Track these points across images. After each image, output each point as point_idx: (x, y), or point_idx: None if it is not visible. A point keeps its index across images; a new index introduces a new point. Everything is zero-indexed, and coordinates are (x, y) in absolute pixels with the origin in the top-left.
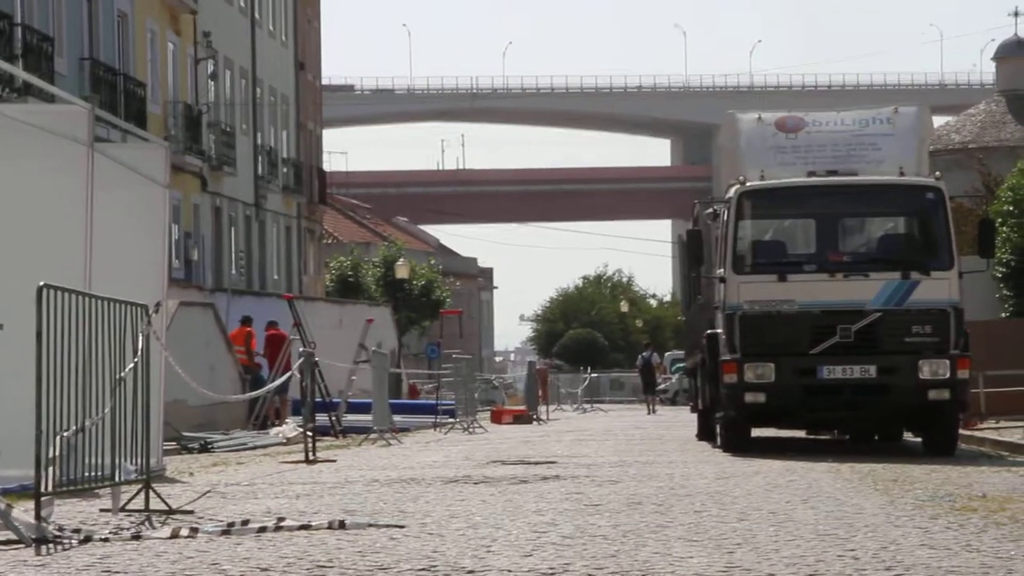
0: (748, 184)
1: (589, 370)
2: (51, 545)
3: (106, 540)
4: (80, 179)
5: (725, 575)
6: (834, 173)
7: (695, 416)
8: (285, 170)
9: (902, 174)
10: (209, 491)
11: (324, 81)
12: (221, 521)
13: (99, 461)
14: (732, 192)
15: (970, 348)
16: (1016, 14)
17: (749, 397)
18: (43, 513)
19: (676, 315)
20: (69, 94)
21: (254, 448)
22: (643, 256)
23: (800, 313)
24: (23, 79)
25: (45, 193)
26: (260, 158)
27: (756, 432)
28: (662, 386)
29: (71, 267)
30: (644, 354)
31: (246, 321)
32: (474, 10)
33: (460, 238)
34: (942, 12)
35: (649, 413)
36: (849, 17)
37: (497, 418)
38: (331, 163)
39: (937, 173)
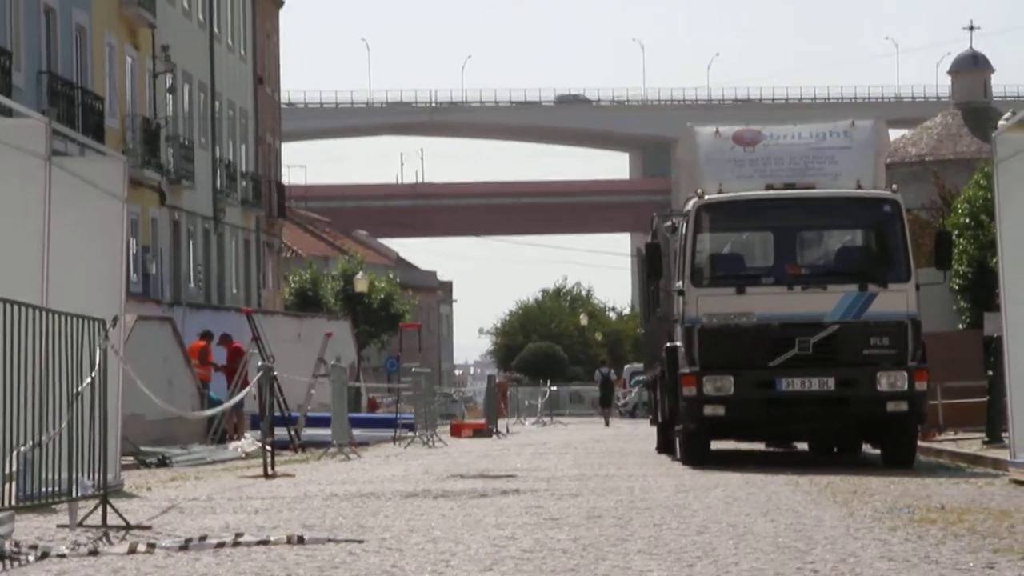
0: (706, 197)
1: (549, 383)
2: (8, 561)
3: (63, 556)
4: (37, 193)
5: None
6: (791, 186)
7: (655, 429)
8: (244, 184)
9: (859, 187)
10: (178, 507)
11: (283, 96)
12: (179, 536)
13: (56, 476)
14: (690, 205)
15: (928, 360)
16: (971, 28)
17: (708, 410)
18: (2, 531)
19: (635, 328)
20: (27, 108)
21: (212, 463)
22: (602, 269)
23: (759, 326)
24: None
25: (2, 207)
26: (219, 172)
27: (716, 445)
28: (623, 401)
29: (28, 281)
30: (602, 369)
31: (205, 335)
32: (433, 24)
33: (419, 251)
34: (898, 26)
35: (606, 425)
36: (805, 31)
37: (457, 432)
38: (290, 177)
39: (894, 186)
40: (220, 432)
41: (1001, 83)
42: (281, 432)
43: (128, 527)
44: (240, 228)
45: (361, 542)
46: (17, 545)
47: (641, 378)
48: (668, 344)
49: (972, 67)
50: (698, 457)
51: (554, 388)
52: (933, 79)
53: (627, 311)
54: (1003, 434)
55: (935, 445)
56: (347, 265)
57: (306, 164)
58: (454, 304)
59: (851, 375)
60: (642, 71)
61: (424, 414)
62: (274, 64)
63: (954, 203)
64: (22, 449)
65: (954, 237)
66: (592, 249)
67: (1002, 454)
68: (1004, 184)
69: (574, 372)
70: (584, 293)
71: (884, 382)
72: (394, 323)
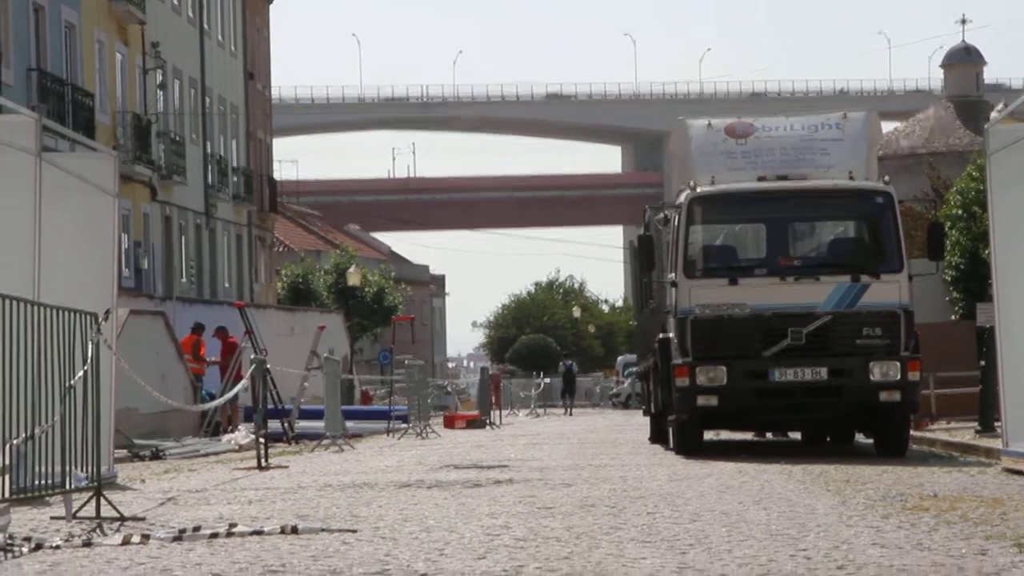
0: (699, 189)
1: (542, 375)
2: (2, 553)
3: (57, 547)
4: (28, 189)
5: (678, 575)
6: (784, 178)
7: (648, 419)
8: (235, 179)
9: (851, 178)
10: (172, 498)
11: (274, 91)
12: (173, 527)
13: (50, 469)
14: (683, 197)
15: (920, 350)
16: (963, 21)
17: (701, 400)
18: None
19: (628, 320)
20: (16, 104)
21: (206, 455)
22: (595, 262)
23: (751, 316)
24: None
25: None
26: (210, 167)
27: (708, 435)
28: (615, 390)
29: (20, 276)
30: (565, 362)
31: (197, 328)
32: (424, 19)
33: (412, 245)
34: (890, 20)
35: (568, 414)
36: (797, 25)
37: (450, 423)
38: (281, 172)
39: (886, 177)
40: (213, 425)
41: (993, 75)
42: (274, 424)
43: (122, 518)
44: (232, 223)
45: (355, 532)
46: (11, 537)
47: (634, 369)
48: (661, 335)
49: (964, 60)
50: (691, 447)
51: (547, 380)
52: (925, 72)
53: (620, 303)
54: (995, 423)
55: (928, 435)
56: (339, 259)
57: (297, 159)
58: (447, 297)
59: (844, 365)
60: (634, 65)
61: (417, 406)
62: (264, 60)
63: (947, 195)
64: (15, 442)
65: (947, 228)
66: (585, 242)
67: (994, 443)
68: (996, 176)
69: None
70: (577, 286)
71: (877, 372)
72: (387, 316)
